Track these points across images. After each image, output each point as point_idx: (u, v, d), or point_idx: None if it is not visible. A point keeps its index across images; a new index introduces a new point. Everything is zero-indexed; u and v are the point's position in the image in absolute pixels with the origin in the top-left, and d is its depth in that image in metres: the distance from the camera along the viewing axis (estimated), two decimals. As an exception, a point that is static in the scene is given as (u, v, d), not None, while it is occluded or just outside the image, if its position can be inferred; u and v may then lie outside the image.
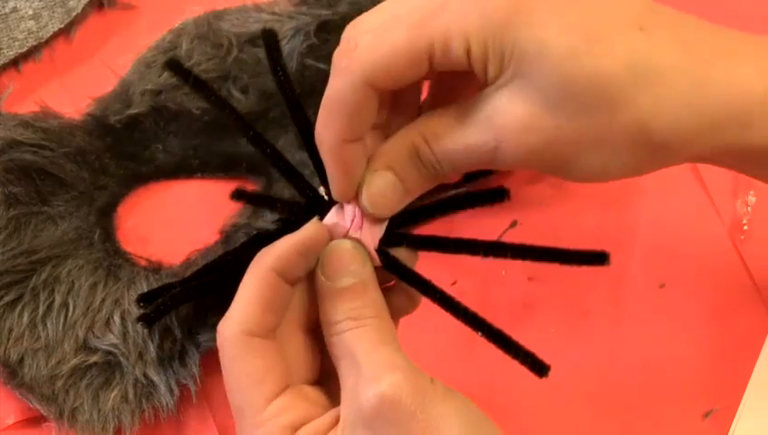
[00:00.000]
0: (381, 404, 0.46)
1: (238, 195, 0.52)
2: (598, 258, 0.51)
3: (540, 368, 0.50)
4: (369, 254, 0.50)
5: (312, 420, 0.49)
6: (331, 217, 0.50)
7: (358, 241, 0.50)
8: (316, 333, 0.52)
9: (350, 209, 0.50)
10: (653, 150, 0.47)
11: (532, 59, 0.46)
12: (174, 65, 0.51)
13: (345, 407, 0.48)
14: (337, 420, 0.48)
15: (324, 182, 0.51)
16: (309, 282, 0.51)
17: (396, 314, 0.52)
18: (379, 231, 0.50)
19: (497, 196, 0.51)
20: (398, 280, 0.52)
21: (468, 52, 0.47)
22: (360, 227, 0.50)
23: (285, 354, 0.51)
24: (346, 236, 0.50)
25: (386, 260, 0.51)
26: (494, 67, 0.47)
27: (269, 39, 0.51)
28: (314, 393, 0.51)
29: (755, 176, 0.52)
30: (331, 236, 0.50)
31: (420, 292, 0.52)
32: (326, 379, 0.52)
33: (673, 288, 0.64)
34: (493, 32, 0.47)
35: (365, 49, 0.48)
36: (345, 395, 0.48)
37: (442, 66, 0.48)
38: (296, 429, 0.48)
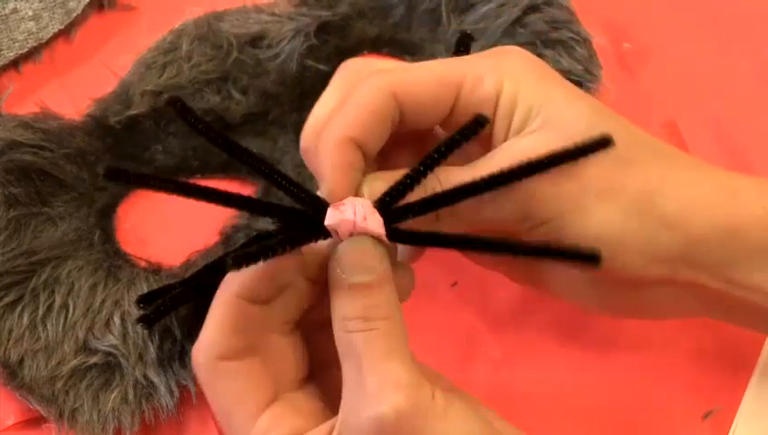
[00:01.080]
0: (381, 425, 0.46)
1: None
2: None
3: (591, 257, 0.50)
4: (382, 241, 0.49)
5: (304, 433, 0.49)
6: (332, 216, 0.49)
7: (367, 234, 0.49)
8: (305, 330, 0.52)
9: (349, 203, 0.49)
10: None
11: (563, 107, 0.48)
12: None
13: (344, 411, 0.47)
14: (331, 431, 0.48)
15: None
16: (300, 280, 0.50)
17: None
18: (380, 218, 0.49)
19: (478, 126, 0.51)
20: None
21: (499, 91, 0.48)
22: (365, 218, 0.49)
23: (271, 362, 0.50)
24: (354, 229, 0.49)
25: (397, 235, 0.50)
26: (522, 111, 0.49)
27: (177, 106, 0.50)
28: (305, 401, 0.51)
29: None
30: (339, 233, 0.49)
31: (441, 247, 0.52)
32: (319, 370, 0.52)
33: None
34: (527, 76, 0.49)
35: (400, 68, 0.51)
36: (346, 398, 0.48)
37: (465, 106, 0.50)
38: None
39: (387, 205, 0.50)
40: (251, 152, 0.52)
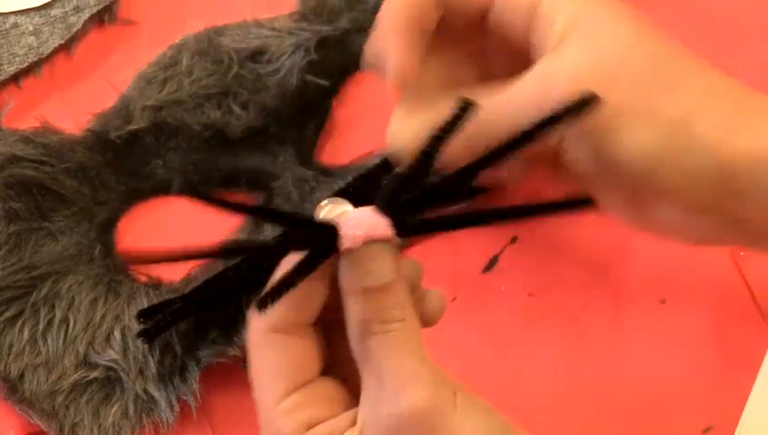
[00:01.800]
0: (401, 422, 0.46)
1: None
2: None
3: (582, 203, 0.53)
4: (390, 242, 0.50)
5: (327, 419, 0.49)
6: (346, 238, 0.49)
7: (375, 237, 0.49)
8: (324, 324, 0.52)
9: (353, 218, 0.50)
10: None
11: (604, 25, 0.50)
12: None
13: (363, 411, 0.48)
14: (354, 422, 0.48)
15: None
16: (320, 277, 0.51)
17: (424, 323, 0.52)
18: (386, 218, 0.50)
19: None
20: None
21: None
22: (372, 226, 0.49)
23: (303, 349, 0.51)
24: (365, 238, 0.49)
25: (406, 229, 0.51)
26: (562, 22, 0.51)
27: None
28: (332, 389, 0.51)
29: None
30: (350, 246, 0.49)
31: (452, 229, 0.54)
32: (335, 364, 0.52)
33: (673, 304, 0.64)
34: None
35: None
36: (365, 399, 0.48)
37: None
38: (310, 427, 0.49)
39: (392, 206, 0.50)
40: (254, 206, 0.54)
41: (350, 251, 0.49)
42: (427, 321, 0.52)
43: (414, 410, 0.46)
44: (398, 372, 0.47)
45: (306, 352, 0.51)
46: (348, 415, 0.49)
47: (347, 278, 0.49)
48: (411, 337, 0.48)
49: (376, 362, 0.48)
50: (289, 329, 0.50)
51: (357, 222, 0.49)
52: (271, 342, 0.50)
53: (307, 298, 0.50)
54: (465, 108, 0.50)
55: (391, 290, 0.49)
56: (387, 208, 0.50)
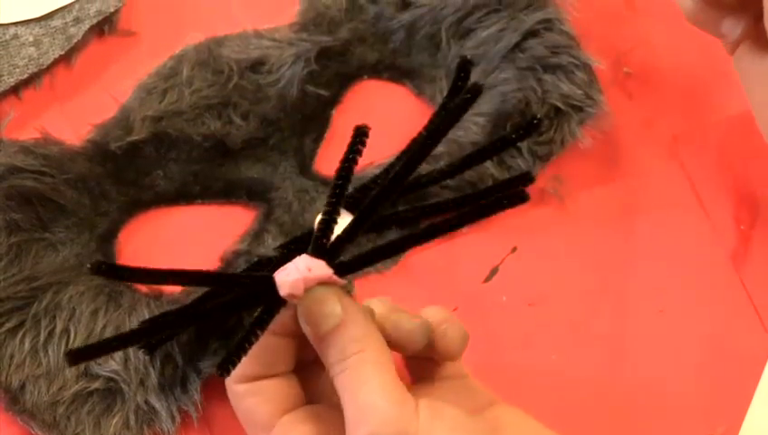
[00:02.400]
0: None
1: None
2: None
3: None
4: (330, 281, 0.53)
5: None
6: (282, 285, 0.52)
7: (319, 281, 0.52)
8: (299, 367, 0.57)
9: (289, 266, 0.52)
10: None
11: None
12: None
13: None
14: None
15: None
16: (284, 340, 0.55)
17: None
18: (322, 262, 0.53)
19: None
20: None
21: None
22: (309, 269, 0.52)
23: (280, 386, 0.54)
24: (306, 284, 0.52)
25: (345, 268, 0.54)
26: None
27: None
28: (324, 409, 0.54)
29: None
30: (295, 296, 0.52)
31: (391, 255, 0.58)
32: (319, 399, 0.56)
33: (673, 313, 0.65)
34: None
35: None
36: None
37: None
38: None
39: (322, 248, 0.53)
40: (186, 272, 0.55)
41: (294, 298, 0.52)
42: (452, 355, 0.55)
43: None
44: (354, 408, 0.49)
45: (283, 387, 0.54)
46: None
47: (307, 330, 0.52)
48: (367, 367, 0.50)
49: (342, 399, 0.50)
50: (258, 379, 0.54)
51: (294, 268, 0.52)
52: (245, 390, 0.54)
53: (269, 355, 0.54)
54: (359, 133, 0.55)
55: (346, 327, 0.51)
56: (318, 253, 0.53)
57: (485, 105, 0.68)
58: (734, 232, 0.67)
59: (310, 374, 0.56)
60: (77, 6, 0.74)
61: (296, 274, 0.52)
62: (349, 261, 0.55)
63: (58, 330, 0.62)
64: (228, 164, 0.69)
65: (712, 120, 0.72)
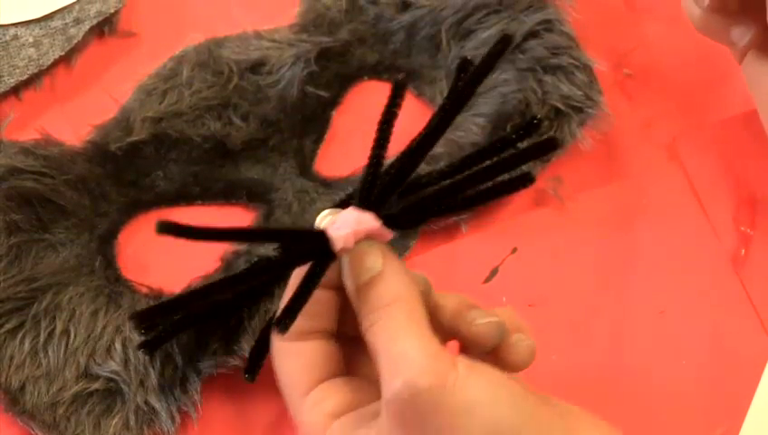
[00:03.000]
0: (401, 404, 0.48)
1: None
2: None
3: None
4: (379, 233, 0.54)
5: (354, 409, 0.52)
6: (335, 239, 0.53)
7: (368, 234, 0.53)
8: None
9: (338, 220, 0.53)
10: None
11: None
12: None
13: (382, 402, 0.49)
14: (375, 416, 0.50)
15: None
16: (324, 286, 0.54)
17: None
18: (370, 214, 0.54)
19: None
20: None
21: None
22: (359, 222, 0.53)
23: (321, 350, 0.54)
24: (356, 236, 0.53)
25: (394, 221, 0.55)
26: None
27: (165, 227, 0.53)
28: (359, 385, 0.54)
29: None
30: (346, 249, 0.53)
31: (436, 216, 0.62)
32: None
33: (673, 314, 0.65)
34: None
35: None
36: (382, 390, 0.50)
37: None
38: (335, 417, 0.51)
39: (368, 201, 0.54)
40: (246, 229, 0.60)
41: (345, 252, 0.53)
42: (515, 367, 0.55)
43: (410, 391, 0.47)
44: (390, 358, 0.49)
45: (325, 352, 0.54)
46: (375, 406, 0.51)
47: (347, 284, 0.53)
48: (402, 317, 0.50)
49: (376, 353, 0.50)
50: (303, 336, 0.54)
51: (343, 222, 0.53)
52: (288, 349, 0.54)
53: (314, 307, 0.53)
54: (397, 86, 0.56)
55: (382, 278, 0.52)
56: (365, 204, 0.54)
57: (485, 106, 0.68)
58: (734, 233, 0.67)
59: (352, 350, 0.56)
60: (77, 7, 0.75)
61: (346, 227, 0.53)
62: (395, 214, 0.56)
63: (58, 331, 0.62)
64: (228, 165, 0.69)
65: (712, 121, 0.72)
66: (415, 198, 0.57)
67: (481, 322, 0.54)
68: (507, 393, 0.48)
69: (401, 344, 0.49)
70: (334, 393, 0.53)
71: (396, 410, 0.48)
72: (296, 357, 0.54)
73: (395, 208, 0.56)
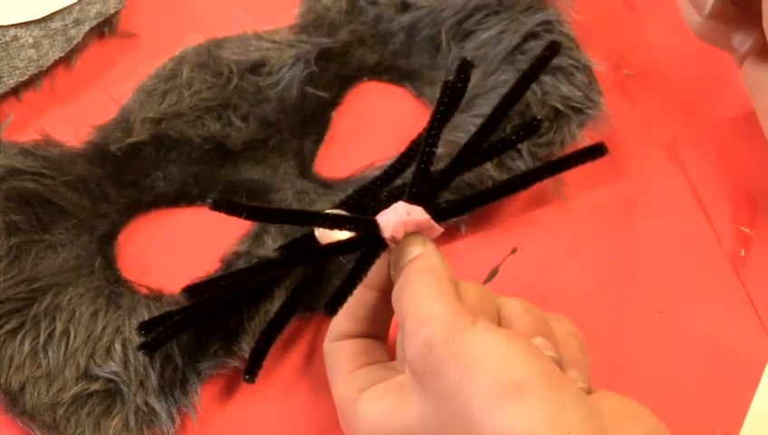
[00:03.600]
0: (420, 360, 0.49)
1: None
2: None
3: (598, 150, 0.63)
4: (428, 225, 0.56)
5: (384, 381, 0.54)
6: (385, 227, 0.55)
7: (417, 226, 0.56)
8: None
9: (388, 211, 0.56)
10: None
11: None
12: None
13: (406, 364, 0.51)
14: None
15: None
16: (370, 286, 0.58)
17: None
18: (419, 207, 0.56)
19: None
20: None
21: None
22: (408, 213, 0.55)
23: (362, 344, 0.58)
24: (405, 227, 0.55)
25: (442, 213, 0.58)
26: None
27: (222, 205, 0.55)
28: (396, 368, 0.56)
29: None
30: (395, 239, 0.56)
31: (479, 205, 0.63)
32: None
33: (673, 314, 0.65)
34: None
35: None
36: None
37: None
38: (367, 389, 0.54)
39: (418, 195, 0.57)
40: (295, 212, 0.62)
41: (394, 241, 0.55)
42: None
43: (428, 344, 0.49)
44: (413, 320, 0.51)
45: (362, 349, 0.57)
46: (400, 378, 0.53)
47: (392, 272, 0.56)
48: (428, 286, 0.53)
49: (403, 320, 0.52)
50: (347, 337, 0.58)
51: (393, 212, 0.55)
52: (332, 347, 0.58)
53: (360, 306, 0.58)
54: (448, 88, 0.58)
55: (419, 258, 0.54)
56: (414, 199, 0.57)
57: (485, 107, 0.68)
58: (734, 233, 0.67)
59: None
60: (77, 8, 0.75)
61: (396, 216, 0.55)
62: (445, 208, 0.60)
63: (58, 331, 0.62)
64: (228, 166, 0.69)
65: (712, 122, 0.72)
66: (456, 195, 0.63)
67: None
68: (521, 351, 0.48)
69: (426, 304, 0.51)
70: (368, 374, 0.56)
71: (416, 368, 0.50)
72: (338, 353, 0.57)
73: (441, 204, 0.60)
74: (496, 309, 0.55)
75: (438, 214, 0.57)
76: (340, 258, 0.62)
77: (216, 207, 0.54)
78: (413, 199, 0.56)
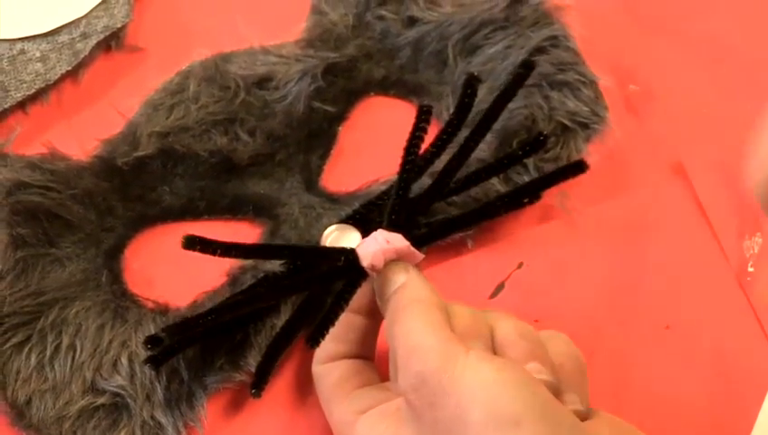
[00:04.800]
0: (414, 391, 0.50)
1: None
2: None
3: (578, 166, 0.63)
4: (408, 252, 0.56)
5: (381, 404, 0.54)
6: (364, 256, 0.55)
7: (397, 254, 0.56)
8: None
9: (368, 240, 0.56)
10: None
11: None
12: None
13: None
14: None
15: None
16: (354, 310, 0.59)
17: None
18: (400, 234, 0.56)
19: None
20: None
21: None
22: (388, 241, 0.55)
23: (355, 365, 0.58)
24: (385, 255, 0.55)
25: (421, 239, 0.59)
26: None
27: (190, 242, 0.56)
28: (391, 390, 0.56)
29: None
30: (375, 267, 0.55)
31: (460, 229, 0.64)
32: None
33: (678, 330, 0.65)
34: None
35: None
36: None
37: None
38: (363, 413, 0.54)
39: (397, 222, 0.57)
40: (271, 246, 0.62)
41: (374, 269, 0.55)
42: None
43: (421, 376, 0.49)
44: (405, 351, 0.51)
45: (354, 370, 0.57)
46: (397, 402, 0.53)
47: (378, 301, 0.56)
48: (419, 318, 0.52)
49: (395, 353, 0.52)
50: (331, 359, 0.58)
51: (372, 240, 0.55)
52: (322, 370, 0.58)
53: (346, 329, 0.58)
54: (423, 111, 0.59)
55: (405, 287, 0.54)
56: (393, 226, 0.57)
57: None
58: (740, 249, 0.68)
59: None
60: (84, 22, 0.75)
61: (375, 245, 0.55)
62: (424, 233, 0.60)
63: (64, 345, 0.62)
64: (235, 180, 0.70)
65: (718, 137, 0.72)
66: (442, 218, 0.62)
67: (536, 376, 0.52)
68: (515, 379, 0.48)
69: (416, 337, 0.51)
70: (363, 396, 0.56)
71: (410, 400, 0.50)
72: (328, 375, 0.58)
73: (421, 229, 0.60)
74: (490, 331, 0.55)
75: (419, 240, 0.58)
76: None
77: (190, 245, 0.54)
78: (392, 226, 0.57)
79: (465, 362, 0.49)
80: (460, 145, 0.60)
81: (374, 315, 0.58)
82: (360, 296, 0.57)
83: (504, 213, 0.64)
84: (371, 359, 0.60)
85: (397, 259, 0.56)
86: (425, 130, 0.58)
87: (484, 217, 0.63)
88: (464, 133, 0.62)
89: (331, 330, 0.56)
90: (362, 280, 0.56)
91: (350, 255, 0.56)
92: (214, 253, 0.55)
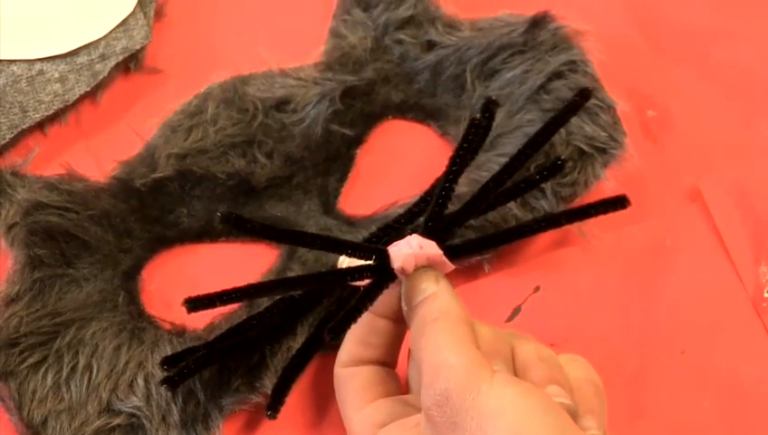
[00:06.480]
0: (438, 409, 0.50)
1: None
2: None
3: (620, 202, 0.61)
4: (440, 261, 0.56)
5: (400, 418, 0.55)
6: (396, 258, 0.56)
7: (428, 260, 0.56)
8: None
9: (401, 242, 0.56)
10: None
11: None
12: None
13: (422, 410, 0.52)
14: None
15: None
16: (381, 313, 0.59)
17: None
18: (433, 242, 0.56)
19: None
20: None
21: None
22: (421, 247, 0.56)
23: (375, 374, 0.58)
24: (416, 260, 0.55)
25: (455, 251, 0.58)
26: None
27: (231, 220, 0.56)
28: (412, 402, 0.57)
29: None
30: (405, 271, 0.56)
31: (494, 247, 0.65)
32: None
33: (694, 355, 0.65)
34: None
35: None
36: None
37: None
38: (383, 426, 0.55)
39: (434, 230, 0.57)
40: (307, 234, 0.58)
41: (404, 273, 0.55)
42: None
43: (446, 395, 0.49)
44: (430, 367, 0.51)
45: (378, 377, 0.58)
46: (417, 417, 0.54)
47: (404, 306, 0.56)
48: (446, 333, 0.53)
49: (420, 366, 0.52)
50: (357, 363, 0.58)
51: (406, 244, 0.56)
52: (345, 373, 0.58)
53: (369, 332, 0.58)
54: (473, 125, 0.59)
55: (434, 298, 0.54)
56: (429, 233, 0.57)
57: (509, 146, 0.69)
58: (756, 275, 0.68)
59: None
60: (103, 43, 0.76)
61: (408, 248, 0.56)
62: (458, 245, 0.59)
63: (81, 365, 0.63)
64: (252, 202, 0.70)
65: (735, 164, 0.73)
66: (480, 234, 0.64)
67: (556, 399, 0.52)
68: (539, 406, 0.49)
69: (443, 354, 0.51)
70: (383, 408, 0.56)
71: (432, 416, 0.50)
72: (351, 380, 0.58)
73: (457, 240, 0.60)
74: (511, 351, 0.56)
75: (452, 251, 0.58)
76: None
77: (225, 220, 0.54)
78: (428, 233, 0.57)
79: (491, 385, 0.49)
80: (503, 165, 0.60)
81: (400, 321, 0.58)
82: (386, 300, 0.57)
83: (537, 234, 0.64)
84: (394, 366, 0.60)
85: (427, 266, 0.56)
86: (489, 129, 0.60)
87: (519, 236, 0.63)
88: (508, 149, 0.63)
89: (356, 331, 0.57)
90: (390, 281, 0.57)
91: (382, 254, 0.56)
92: (249, 232, 0.56)
